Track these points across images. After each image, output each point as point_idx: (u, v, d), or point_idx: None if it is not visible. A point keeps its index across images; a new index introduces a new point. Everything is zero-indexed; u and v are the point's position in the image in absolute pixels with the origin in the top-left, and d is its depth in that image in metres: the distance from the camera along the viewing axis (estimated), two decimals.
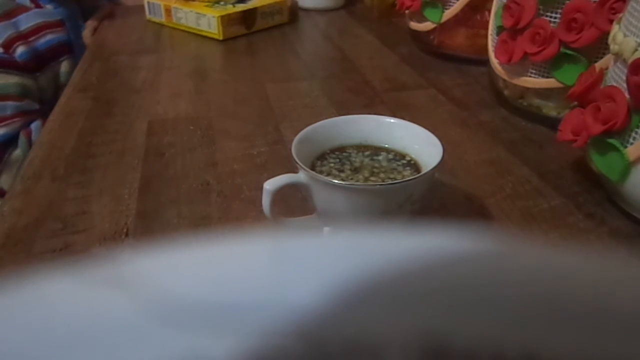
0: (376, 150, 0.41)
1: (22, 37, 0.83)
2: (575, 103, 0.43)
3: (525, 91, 0.54)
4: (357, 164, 0.39)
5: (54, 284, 0.09)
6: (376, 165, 0.39)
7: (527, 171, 0.46)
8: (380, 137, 0.41)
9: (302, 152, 0.37)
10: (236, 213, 0.41)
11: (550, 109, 0.53)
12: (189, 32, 0.85)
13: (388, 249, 0.09)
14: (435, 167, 0.34)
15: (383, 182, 0.36)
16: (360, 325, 0.08)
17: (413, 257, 0.09)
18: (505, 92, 0.56)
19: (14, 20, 0.84)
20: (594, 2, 0.45)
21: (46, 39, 0.86)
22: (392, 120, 0.41)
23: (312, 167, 0.37)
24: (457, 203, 0.43)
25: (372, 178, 0.37)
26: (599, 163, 0.39)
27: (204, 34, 0.83)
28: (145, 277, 0.09)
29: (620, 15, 0.39)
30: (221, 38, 0.80)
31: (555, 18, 0.48)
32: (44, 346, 0.08)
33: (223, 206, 0.42)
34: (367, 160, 0.39)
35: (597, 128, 0.37)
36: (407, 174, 0.37)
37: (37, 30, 0.86)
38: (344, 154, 0.40)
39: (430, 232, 0.09)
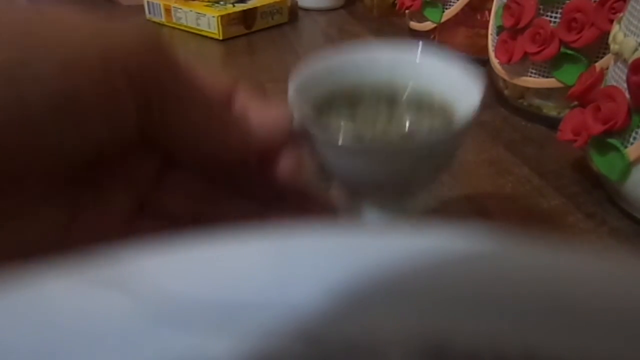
0: (397, 92, 0.32)
1: None
2: (576, 103, 0.43)
3: (525, 91, 0.54)
4: (371, 111, 0.31)
5: (53, 284, 0.08)
6: (396, 113, 0.31)
7: (527, 171, 0.46)
8: (404, 75, 0.32)
9: (304, 93, 0.29)
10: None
11: (550, 108, 0.53)
12: (188, 32, 0.85)
13: (388, 249, 0.09)
14: (468, 117, 0.26)
15: (399, 135, 0.30)
16: (360, 325, 0.08)
17: (413, 257, 0.09)
18: (505, 92, 0.56)
19: None
20: (594, 2, 0.45)
21: None
22: (420, 52, 0.32)
23: (317, 115, 0.30)
24: (457, 203, 0.43)
25: (389, 129, 0.30)
26: (599, 163, 0.39)
27: (203, 33, 0.83)
28: (145, 277, 0.09)
29: (621, 15, 0.39)
30: (221, 38, 0.80)
31: (555, 18, 0.48)
32: (44, 346, 0.08)
33: None
34: (384, 106, 0.32)
35: (597, 128, 0.37)
36: (436, 123, 0.30)
37: None
38: (357, 96, 0.32)
39: (430, 232, 0.09)
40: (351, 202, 0.32)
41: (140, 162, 0.23)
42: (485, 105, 0.25)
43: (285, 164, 0.25)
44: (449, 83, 0.30)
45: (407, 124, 0.30)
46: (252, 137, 0.23)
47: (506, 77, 0.54)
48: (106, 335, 0.08)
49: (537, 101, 0.54)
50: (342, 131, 0.29)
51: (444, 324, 0.08)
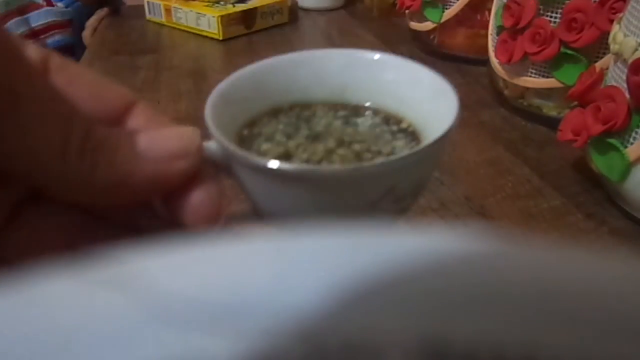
0: (357, 110, 0.26)
1: (35, 34, 0.84)
2: (576, 103, 0.43)
3: (525, 91, 0.54)
4: (319, 128, 0.25)
5: (53, 284, 0.08)
6: (350, 131, 0.25)
7: (527, 171, 0.46)
8: (363, 88, 0.26)
9: (237, 105, 0.24)
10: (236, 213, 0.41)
11: (550, 108, 0.53)
12: (188, 32, 0.85)
13: (388, 250, 0.09)
14: (440, 138, 0.21)
15: (348, 160, 0.23)
16: (360, 326, 0.08)
17: (413, 257, 0.09)
18: (505, 92, 0.56)
19: (25, 17, 0.84)
20: (594, 2, 0.45)
21: (54, 39, 0.87)
22: (381, 58, 0.26)
23: (250, 129, 0.25)
24: (457, 203, 0.43)
25: (340, 151, 0.24)
26: (599, 163, 0.39)
27: (203, 33, 0.83)
28: (145, 277, 0.09)
29: (621, 15, 0.39)
30: (221, 38, 0.80)
31: (555, 18, 0.48)
32: (44, 346, 0.08)
33: None
34: (338, 123, 0.25)
35: (597, 128, 0.37)
36: (400, 145, 0.24)
37: (47, 29, 0.86)
38: (306, 113, 0.26)
39: (430, 233, 0.09)
40: None
41: None
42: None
43: (196, 203, 0.19)
44: (417, 100, 0.25)
45: (359, 146, 0.24)
46: (140, 166, 0.17)
47: (506, 77, 0.54)
48: (106, 336, 0.08)
49: (537, 101, 0.54)
50: (275, 155, 0.23)
51: (444, 324, 0.08)
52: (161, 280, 0.09)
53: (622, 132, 0.36)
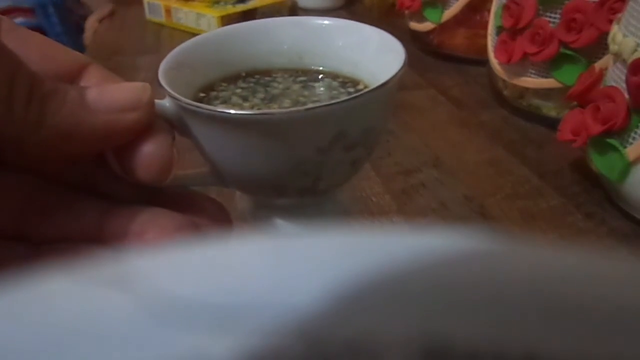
0: (316, 76, 0.27)
1: None
2: (575, 103, 0.43)
3: (524, 91, 0.54)
4: (276, 91, 0.26)
5: (53, 284, 0.09)
6: (307, 93, 0.26)
7: (526, 171, 0.46)
8: (319, 54, 0.27)
9: (193, 70, 0.25)
10: (236, 213, 0.41)
11: (550, 109, 0.53)
12: (189, 32, 0.85)
13: (388, 249, 0.09)
14: (385, 83, 0.21)
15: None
16: (360, 326, 0.08)
17: (413, 257, 0.09)
18: (505, 92, 0.56)
19: None
20: (594, 2, 0.45)
21: (18, 21, 0.87)
22: (331, 24, 0.28)
23: (207, 92, 0.26)
24: (457, 203, 0.43)
25: (294, 108, 0.24)
26: (599, 163, 0.39)
27: (203, 33, 0.83)
28: (145, 277, 0.09)
29: (620, 15, 0.39)
30: None
31: (554, 18, 0.48)
32: (43, 346, 0.08)
33: None
34: (296, 87, 0.27)
35: (597, 128, 0.37)
36: None
37: (8, 12, 0.87)
38: (266, 78, 0.27)
39: (430, 232, 0.09)
40: (257, 209, 0.27)
41: None
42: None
43: (147, 155, 0.19)
44: (369, 59, 0.25)
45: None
46: (89, 117, 0.17)
47: (506, 78, 0.54)
48: (106, 335, 0.08)
49: (536, 101, 0.54)
50: (229, 105, 0.24)
51: (444, 324, 0.08)
52: (161, 281, 0.09)
53: (621, 132, 0.36)
